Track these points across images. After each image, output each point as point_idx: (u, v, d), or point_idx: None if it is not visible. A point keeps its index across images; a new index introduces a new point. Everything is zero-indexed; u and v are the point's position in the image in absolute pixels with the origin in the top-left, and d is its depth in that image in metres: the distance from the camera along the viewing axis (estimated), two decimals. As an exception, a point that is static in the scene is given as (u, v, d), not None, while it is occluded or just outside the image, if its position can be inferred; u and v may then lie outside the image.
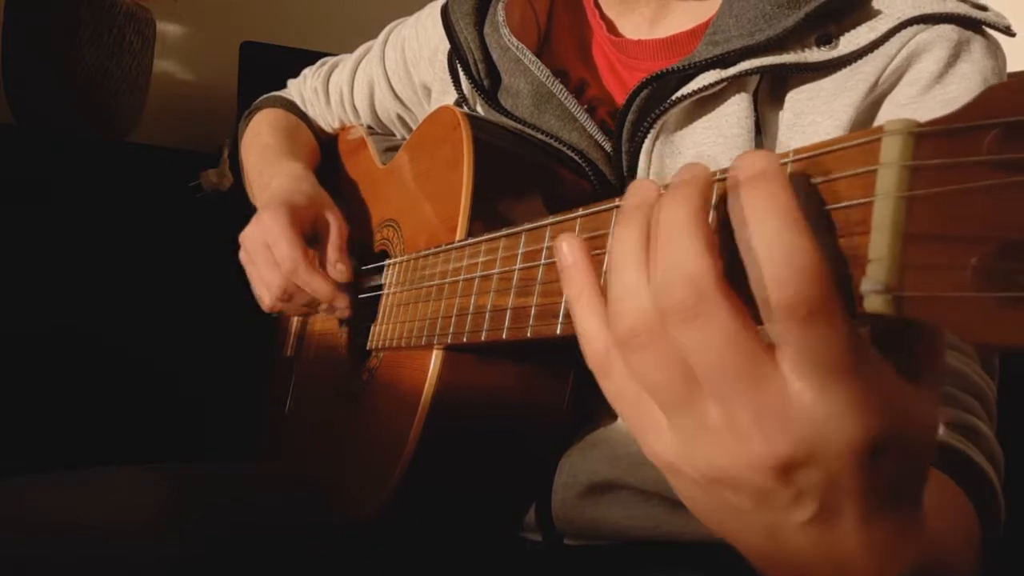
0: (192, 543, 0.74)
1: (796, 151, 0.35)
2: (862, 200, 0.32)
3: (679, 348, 0.36)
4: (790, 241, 0.32)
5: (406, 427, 0.73)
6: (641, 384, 0.39)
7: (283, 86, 1.29)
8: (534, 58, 0.83)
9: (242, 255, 0.95)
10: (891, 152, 0.31)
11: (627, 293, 0.38)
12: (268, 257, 0.91)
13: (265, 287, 0.93)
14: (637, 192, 0.41)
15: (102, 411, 1.65)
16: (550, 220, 0.54)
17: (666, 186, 0.40)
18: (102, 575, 0.68)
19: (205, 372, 1.60)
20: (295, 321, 1.19)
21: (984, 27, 0.72)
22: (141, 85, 2.04)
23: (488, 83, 0.89)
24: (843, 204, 0.32)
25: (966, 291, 0.28)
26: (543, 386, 0.76)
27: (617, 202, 0.47)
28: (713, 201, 0.38)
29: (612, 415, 0.77)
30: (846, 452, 0.34)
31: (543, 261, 0.54)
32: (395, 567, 0.82)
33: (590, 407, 0.78)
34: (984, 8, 0.72)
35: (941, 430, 0.62)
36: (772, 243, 0.33)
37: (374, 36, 1.16)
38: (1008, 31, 0.72)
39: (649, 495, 0.74)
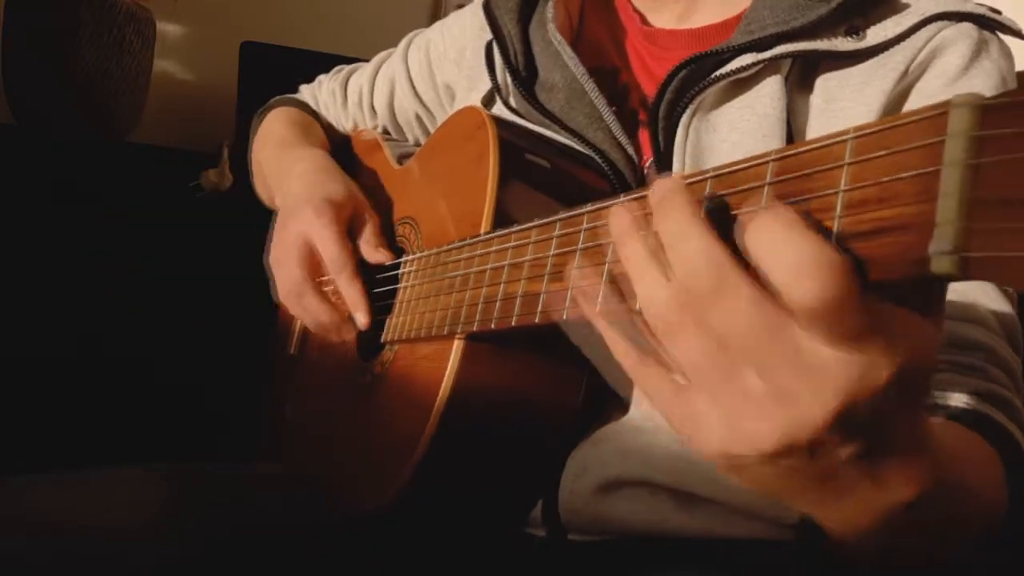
0: (192, 543, 0.74)
1: (857, 128, 0.37)
2: (929, 169, 0.33)
3: (711, 329, 0.39)
4: (795, 248, 0.36)
5: (423, 418, 0.73)
6: (685, 371, 0.42)
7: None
8: (572, 54, 0.86)
9: (276, 250, 0.95)
10: (959, 123, 0.32)
11: (654, 290, 0.42)
12: (303, 252, 0.91)
13: (285, 279, 0.93)
14: (620, 218, 0.46)
15: (102, 411, 1.64)
16: (588, 208, 0.55)
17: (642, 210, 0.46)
18: (102, 575, 0.67)
19: (206, 372, 1.60)
20: (299, 320, 1.18)
21: (997, 31, 0.77)
22: (141, 85, 2.04)
23: (525, 74, 0.92)
24: (909, 173, 0.34)
25: None
26: (559, 380, 0.76)
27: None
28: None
29: (622, 410, 0.78)
30: (881, 388, 0.37)
31: (580, 246, 0.54)
32: (397, 564, 0.82)
33: (600, 402, 0.78)
34: (998, 12, 0.77)
35: (973, 400, 0.66)
36: (778, 252, 0.36)
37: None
38: (1020, 35, 0.77)
39: (656, 489, 0.75)
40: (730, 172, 0.42)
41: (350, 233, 0.95)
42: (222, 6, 2.32)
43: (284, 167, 1.06)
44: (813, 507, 0.45)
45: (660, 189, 0.43)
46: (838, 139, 0.37)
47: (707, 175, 0.44)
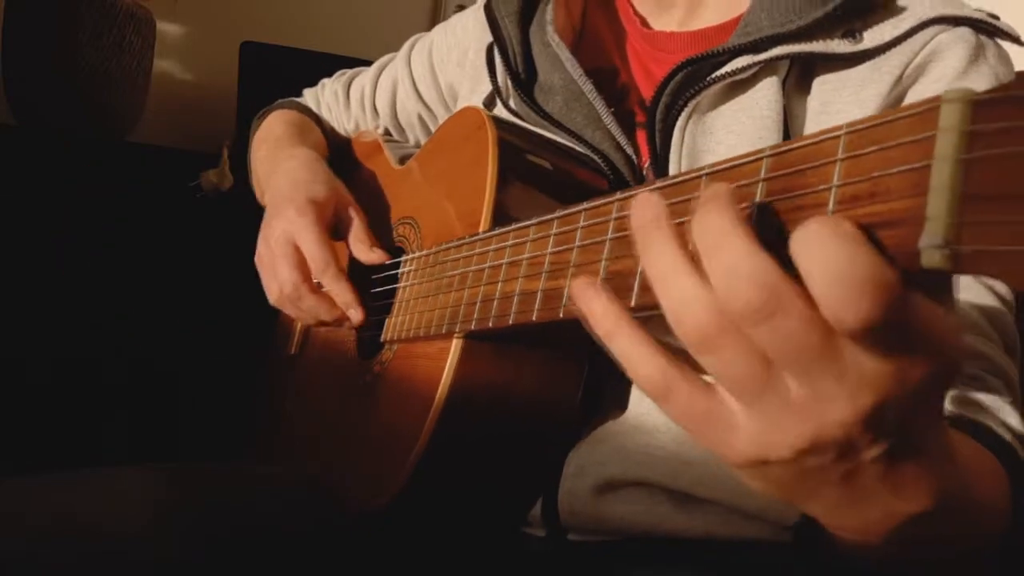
0: (192, 543, 0.73)
1: (850, 124, 0.36)
2: (919, 164, 0.33)
3: (755, 346, 0.38)
4: (852, 265, 0.33)
5: (422, 416, 0.73)
6: (721, 381, 0.40)
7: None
8: (570, 56, 0.87)
9: (261, 247, 0.94)
10: (950, 119, 0.32)
11: (688, 302, 0.39)
12: (291, 254, 0.90)
13: (278, 283, 0.92)
14: (647, 207, 0.42)
15: (102, 411, 1.64)
16: (585, 205, 0.54)
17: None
18: (102, 575, 0.67)
19: (205, 372, 1.60)
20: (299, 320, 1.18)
21: (996, 36, 0.77)
22: (141, 85, 2.04)
23: (524, 77, 0.92)
24: (900, 168, 0.33)
25: None
26: (558, 379, 0.76)
27: (656, 184, 0.47)
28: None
29: (621, 409, 0.78)
30: (915, 390, 0.37)
31: (577, 244, 0.54)
32: (397, 564, 0.82)
33: (599, 401, 0.78)
34: (996, 17, 0.77)
35: (974, 412, 0.66)
36: (831, 266, 0.34)
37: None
38: (1019, 41, 0.77)
39: (654, 490, 0.75)
40: (725, 168, 0.42)
41: (337, 232, 0.95)
42: (222, 6, 2.32)
43: (273, 164, 1.06)
44: (829, 510, 0.44)
45: (705, 194, 0.39)
46: (831, 135, 0.37)
47: (702, 172, 0.43)
